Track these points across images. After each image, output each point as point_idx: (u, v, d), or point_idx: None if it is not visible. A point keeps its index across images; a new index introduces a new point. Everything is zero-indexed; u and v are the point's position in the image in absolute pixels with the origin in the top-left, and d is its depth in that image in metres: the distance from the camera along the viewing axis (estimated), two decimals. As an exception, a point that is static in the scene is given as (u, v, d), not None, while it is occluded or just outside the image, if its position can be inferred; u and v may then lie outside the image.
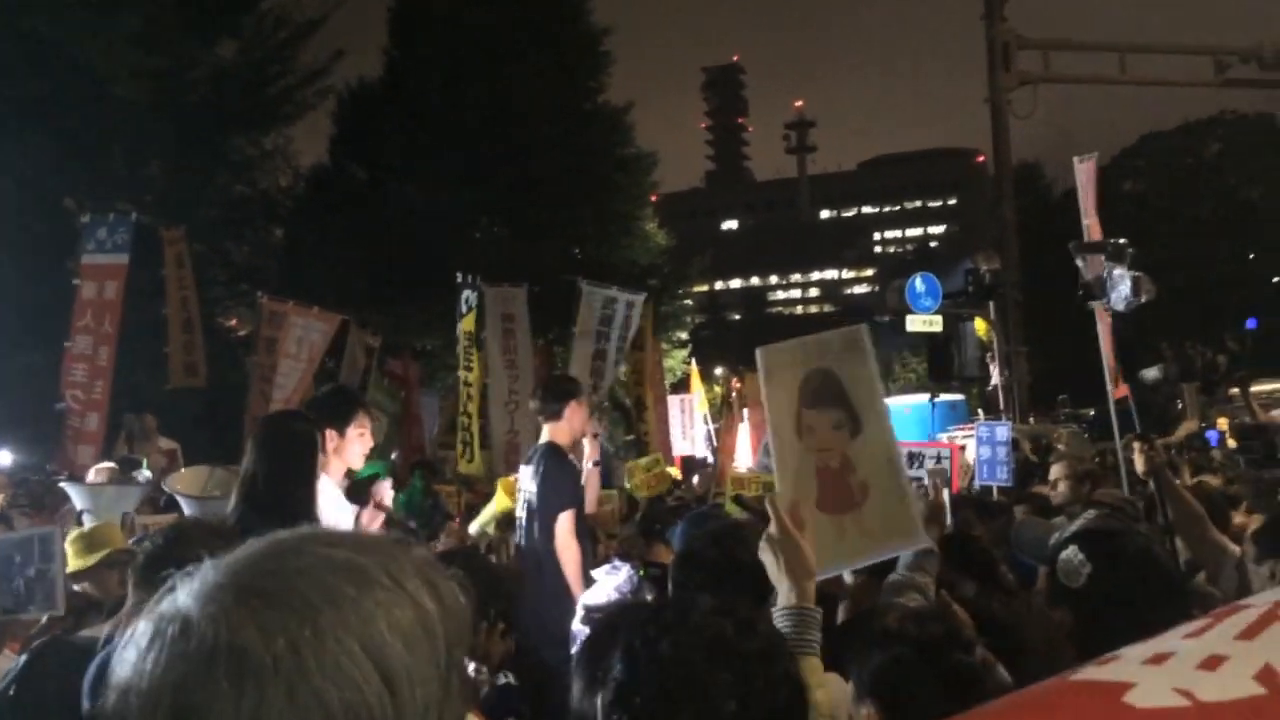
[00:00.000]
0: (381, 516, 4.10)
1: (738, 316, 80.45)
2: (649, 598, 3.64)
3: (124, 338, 9.27)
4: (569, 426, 5.24)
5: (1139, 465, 4.17)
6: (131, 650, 0.79)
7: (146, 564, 2.67)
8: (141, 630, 0.80)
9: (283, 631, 0.76)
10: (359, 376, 11.84)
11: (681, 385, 18.97)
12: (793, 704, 1.47)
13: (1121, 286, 5.51)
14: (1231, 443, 10.17)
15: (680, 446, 15.47)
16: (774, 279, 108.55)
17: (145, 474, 7.20)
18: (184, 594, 0.81)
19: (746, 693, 1.40)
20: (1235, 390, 13.48)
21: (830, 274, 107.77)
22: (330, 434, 4.01)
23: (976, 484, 7.68)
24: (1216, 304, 31.98)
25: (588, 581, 4.80)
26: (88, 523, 5.71)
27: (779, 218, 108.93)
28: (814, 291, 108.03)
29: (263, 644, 0.76)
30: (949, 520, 3.54)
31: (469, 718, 0.91)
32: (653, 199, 28.54)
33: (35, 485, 8.25)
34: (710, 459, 14.05)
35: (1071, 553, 2.45)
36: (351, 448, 4.13)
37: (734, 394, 15.42)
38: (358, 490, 3.98)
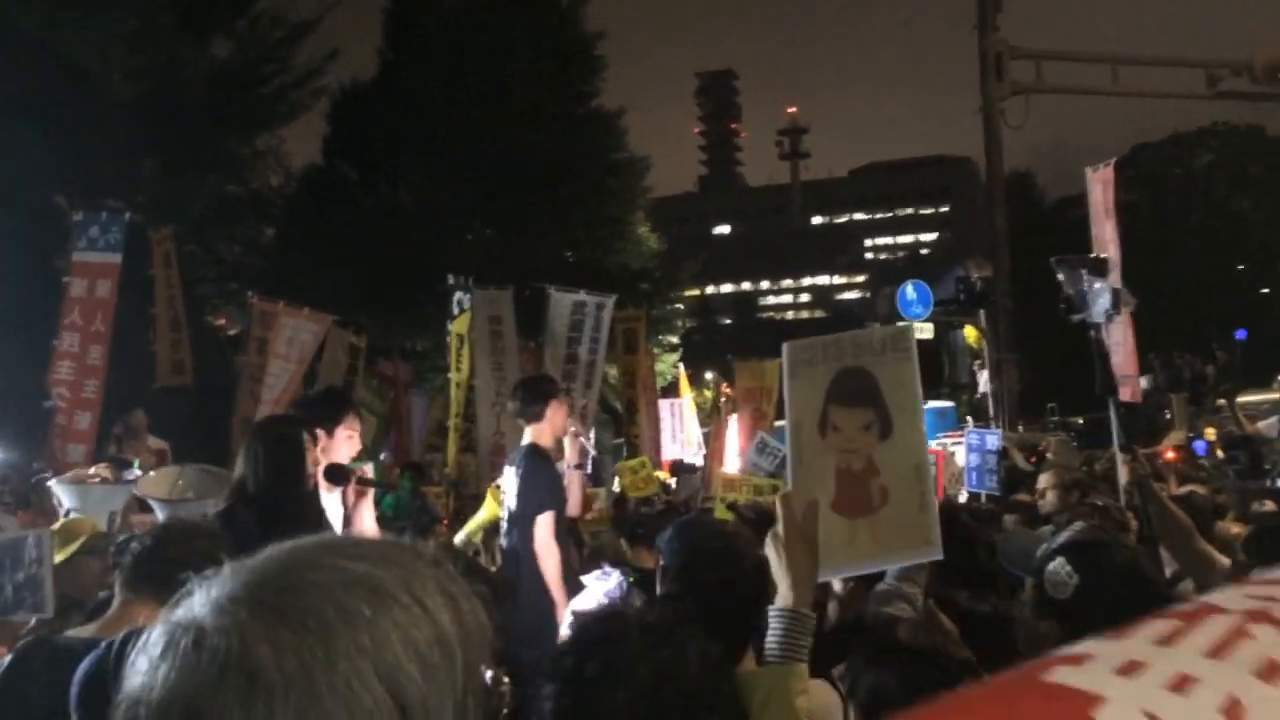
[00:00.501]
0: (370, 492, 4.11)
1: (729, 321, 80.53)
2: (638, 604, 3.63)
3: (113, 336, 9.24)
4: (550, 427, 5.23)
5: (1122, 476, 4.17)
6: (143, 660, 0.78)
7: (135, 564, 2.67)
8: (155, 639, 0.79)
9: (295, 651, 0.75)
10: (341, 376, 11.79)
11: (671, 389, 18.98)
12: None
13: (1101, 300, 5.56)
14: (1219, 453, 10.22)
15: (670, 450, 15.48)
16: (765, 284, 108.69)
17: (136, 473, 7.16)
18: (199, 603, 0.79)
19: None
20: (1222, 401, 13.53)
21: (822, 280, 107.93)
22: (318, 434, 4.01)
23: (965, 491, 7.70)
24: (1205, 314, 32.14)
25: (571, 584, 4.81)
26: (73, 521, 5.68)
27: (771, 223, 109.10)
28: (805, 297, 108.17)
29: (275, 663, 0.74)
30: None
31: None
32: (645, 203, 28.55)
33: (20, 483, 8.19)
34: (700, 464, 14.05)
35: (1059, 564, 2.45)
36: (339, 448, 4.13)
37: (724, 398, 15.44)
38: (335, 473, 3.96)
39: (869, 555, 2.30)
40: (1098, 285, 5.60)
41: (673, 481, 12.44)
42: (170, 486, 4.74)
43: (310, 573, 0.80)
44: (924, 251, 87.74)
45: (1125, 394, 8.53)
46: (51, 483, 6.55)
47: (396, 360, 14.55)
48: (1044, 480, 5.94)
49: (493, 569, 5.55)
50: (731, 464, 11.98)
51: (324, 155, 24.81)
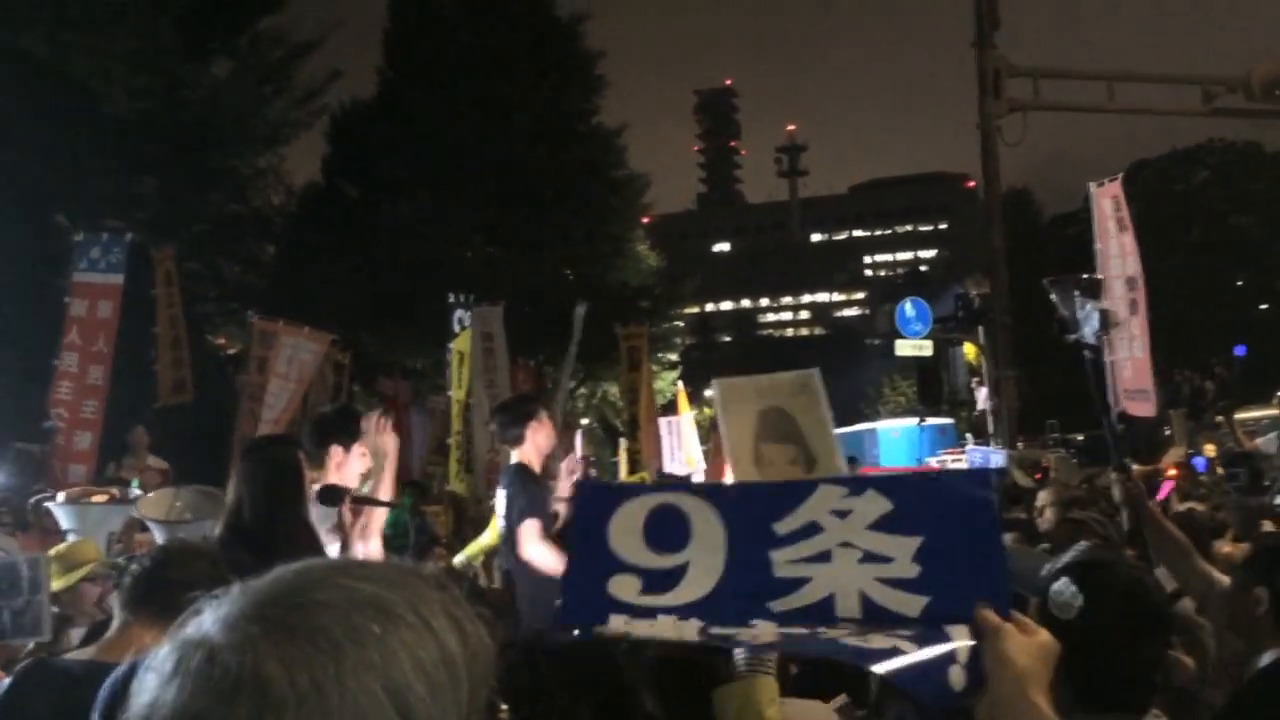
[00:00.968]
0: (379, 512, 4.10)
1: (728, 338, 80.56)
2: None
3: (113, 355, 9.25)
4: (534, 447, 5.18)
5: (1116, 495, 4.14)
6: (152, 677, 0.78)
7: (134, 585, 2.66)
8: (164, 656, 0.79)
9: (306, 668, 0.75)
10: (329, 394, 11.79)
11: (670, 407, 18.96)
12: None
13: (1091, 321, 5.61)
14: (1219, 470, 10.22)
15: (669, 468, 15.46)
16: (765, 301, 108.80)
17: (136, 492, 7.15)
18: (209, 621, 0.80)
19: None
20: (1221, 418, 13.53)
21: (821, 297, 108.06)
22: (335, 450, 4.07)
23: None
24: (1204, 330, 32.16)
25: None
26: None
27: (770, 240, 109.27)
28: (804, 314, 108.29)
29: (286, 680, 0.75)
30: None
31: None
32: (644, 221, 28.62)
33: (20, 504, 8.17)
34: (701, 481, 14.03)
35: (1063, 584, 2.44)
36: (354, 466, 4.17)
37: (723, 416, 15.41)
38: (330, 494, 3.95)
39: None
40: (1089, 306, 5.65)
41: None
42: (168, 508, 4.74)
43: (319, 592, 0.81)
44: (923, 268, 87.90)
45: (1142, 409, 8.54)
46: (49, 503, 6.54)
47: (397, 378, 14.54)
48: (1043, 498, 5.94)
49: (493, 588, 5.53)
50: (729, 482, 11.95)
51: (324, 174, 24.91)
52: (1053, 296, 5.97)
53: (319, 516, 3.95)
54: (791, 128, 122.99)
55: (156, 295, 10.98)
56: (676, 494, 1.57)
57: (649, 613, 1.48)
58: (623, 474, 13.41)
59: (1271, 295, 42.20)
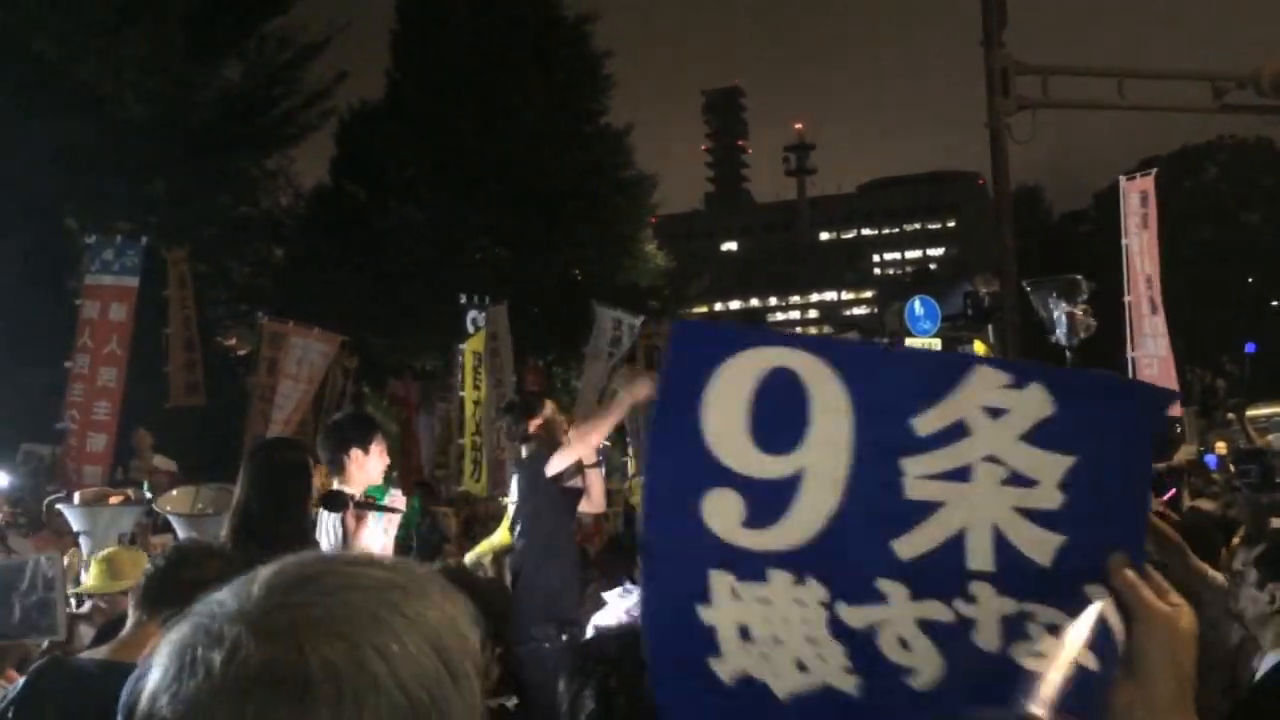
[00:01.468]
0: (391, 518, 4.17)
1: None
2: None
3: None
4: (540, 445, 5.23)
5: None
6: (159, 670, 0.78)
7: (149, 585, 2.68)
8: (173, 649, 0.79)
9: (321, 654, 0.76)
10: (337, 399, 11.84)
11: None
12: None
13: (1061, 323, 5.59)
14: (1230, 467, 10.18)
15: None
16: (773, 300, 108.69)
17: (146, 495, 7.19)
18: (215, 611, 0.80)
19: None
20: (1233, 415, 13.49)
21: (829, 296, 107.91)
22: (355, 453, 4.15)
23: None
24: (1215, 327, 32.05)
25: (574, 596, 4.82)
26: (84, 544, 5.69)
27: (778, 239, 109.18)
28: (813, 313, 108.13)
29: (302, 666, 0.75)
30: None
31: None
32: (652, 221, 28.64)
33: (34, 506, 8.23)
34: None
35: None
36: (372, 464, 4.27)
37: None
38: (333, 500, 4.00)
39: None
40: (1061, 308, 5.64)
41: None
42: (191, 504, 4.83)
43: (329, 579, 0.82)
44: (932, 267, 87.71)
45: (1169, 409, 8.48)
46: (60, 505, 6.58)
47: (407, 380, 14.59)
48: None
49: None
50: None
51: (332, 176, 24.96)
52: (1034, 298, 5.99)
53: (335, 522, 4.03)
54: (799, 126, 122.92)
55: (169, 297, 11.03)
56: (794, 350, 1.12)
57: (756, 566, 1.09)
58: (630, 471, 13.41)
59: (1282, 292, 42.04)
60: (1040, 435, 1.08)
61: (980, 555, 1.07)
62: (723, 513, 1.08)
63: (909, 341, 14.41)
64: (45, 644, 3.73)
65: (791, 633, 1.07)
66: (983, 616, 1.06)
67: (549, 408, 5.36)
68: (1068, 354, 5.74)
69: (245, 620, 0.78)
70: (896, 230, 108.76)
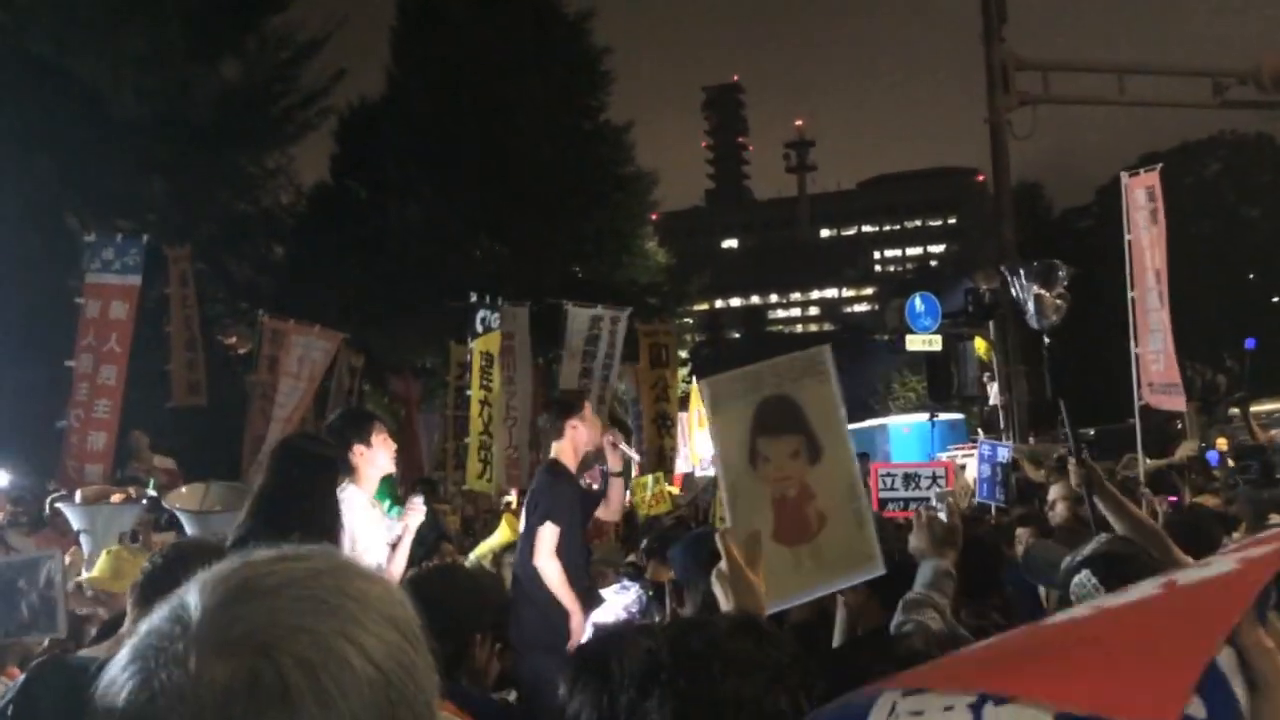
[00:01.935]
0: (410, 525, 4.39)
1: (738, 335, 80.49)
2: (656, 618, 3.62)
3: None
4: (570, 445, 5.23)
5: (1072, 480, 4.00)
6: (120, 671, 0.79)
7: (146, 583, 2.68)
8: (135, 651, 0.80)
9: (292, 652, 0.77)
10: (344, 397, 11.84)
11: (681, 404, 18.95)
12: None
13: (1029, 305, 5.56)
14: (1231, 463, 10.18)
15: (680, 465, 15.47)
16: (774, 297, 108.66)
17: (152, 492, 7.20)
18: (167, 618, 0.81)
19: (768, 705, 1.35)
20: (1235, 410, 13.47)
21: (830, 293, 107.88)
22: (358, 448, 4.24)
23: (975, 502, 7.69)
24: (1216, 323, 31.99)
25: (582, 595, 4.81)
26: (84, 542, 5.71)
27: (779, 236, 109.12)
28: (814, 310, 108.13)
29: (275, 667, 0.76)
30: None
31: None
32: (653, 218, 28.62)
33: (35, 504, 8.24)
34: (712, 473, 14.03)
35: (1085, 577, 2.44)
36: (379, 454, 4.35)
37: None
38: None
39: (816, 581, 2.28)
40: (1031, 291, 5.61)
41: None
42: (200, 500, 4.89)
43: (268, 580, 0.83)
44: (932, 263, 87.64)
45: (1174, 403, 8.50)
46: (61, 503, 6.59)
47: (408, 377, 14.59)
48: (1054, 491, 5.92)
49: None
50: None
51: (332, 174, 24.94)
52: (1010, 281, 5.95)
53: (375, 534, 4.15)
54: (799, 123, 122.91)
55: (170, 295, 11.02)
56: None
57: None
58: (634, 471, 13.42)
59: (1283, 288, 41.97)
60: None
61: None
62: None
63: (910, 338, 14.39)
64: (46, 642, 3.74)
65: None
66: None
67: (587, 408, 5.39)
68: (1045, 339, 5.73)
69: (201, 640, 0.78)
70: (897, 227, 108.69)
